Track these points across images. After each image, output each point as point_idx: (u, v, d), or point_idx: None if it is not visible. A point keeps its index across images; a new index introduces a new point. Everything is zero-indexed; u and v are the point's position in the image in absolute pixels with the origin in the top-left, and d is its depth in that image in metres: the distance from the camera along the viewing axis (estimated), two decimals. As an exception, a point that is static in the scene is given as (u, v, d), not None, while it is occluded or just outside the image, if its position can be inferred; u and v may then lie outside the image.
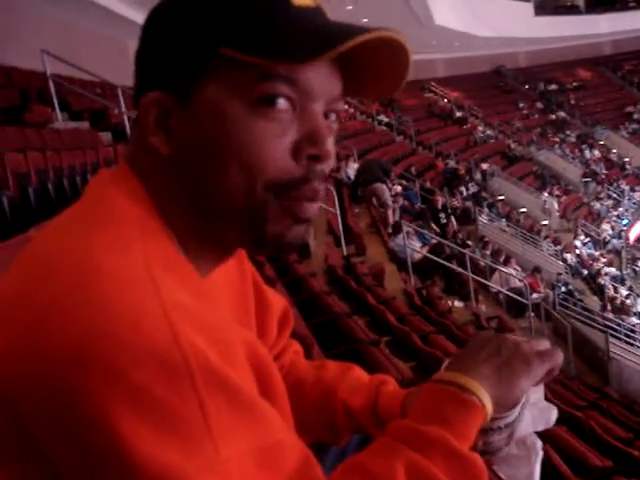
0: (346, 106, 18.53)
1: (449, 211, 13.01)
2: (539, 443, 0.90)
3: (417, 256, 9.59)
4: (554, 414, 0.90)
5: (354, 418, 0.98)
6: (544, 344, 0.83)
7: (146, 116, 0.68)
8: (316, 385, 1.01)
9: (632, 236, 20.42)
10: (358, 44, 0.63)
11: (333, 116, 0.72)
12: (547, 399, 0.90)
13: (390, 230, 10.07)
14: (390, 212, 10.50)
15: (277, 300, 1.03)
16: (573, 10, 33.07)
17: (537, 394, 0.88)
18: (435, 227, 12.04)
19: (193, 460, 0.54)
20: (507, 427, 0.84)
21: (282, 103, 0.66)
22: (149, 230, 0.66)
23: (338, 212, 8.07)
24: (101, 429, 0.53)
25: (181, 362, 0.55)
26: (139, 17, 13.10)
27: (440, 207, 12.39)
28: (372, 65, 0.70)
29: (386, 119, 21.11)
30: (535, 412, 0.88)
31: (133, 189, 0.69)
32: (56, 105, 7.68)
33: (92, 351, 0.54)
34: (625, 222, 21.19)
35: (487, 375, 0.77)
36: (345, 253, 7.89)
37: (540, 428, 0.89)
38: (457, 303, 9.09)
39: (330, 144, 0.69)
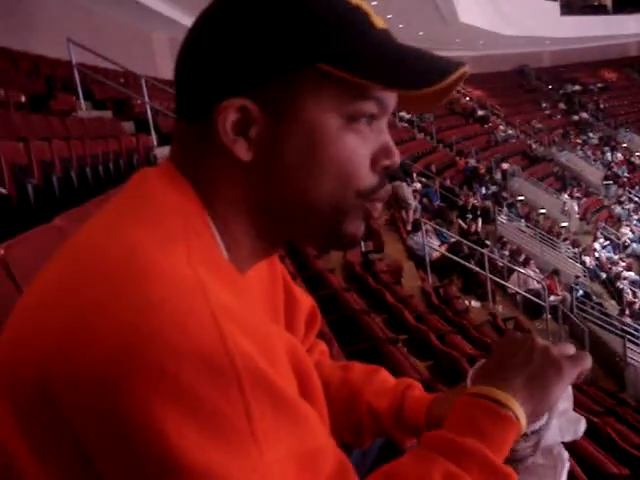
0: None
1: (478, 212, 13.03)
2: (566, 454, 0.89)
3: (435, 254, 9.57)
4: (582, 425, 0.89)
5: (379, 421, 0.98)
6: (572, 349, 0.83)
7: (224, 122, 0.67)
8: (342, 386, 1.01)
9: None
10: None
11: None
12: None
13: (409, 228, 10.05)
14: (411, 211, 10.49)
15: (305, 299, 1.03)
16: (600, 10, 32.73)
17: (566, 403, 0.87)
18: (462, 223, 12.07)
19: (237, 462, 0.54)
20: (534, 434, 0.83)
21: (368, 119, 0.71)
22: (192, 228, 0.66)
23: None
24: (145, 429, 0.53)
25: (228, 364, 0.55)
26: (164, 8, 13.17)
27: (468, 205, 12.41)
28: None
29: (407, 116, 21.03)
30: (563, 422, 0.87)
31: (179, 186, 0.69)
32: (80, 94, 7.73)
33: (138, 351, 0.54)
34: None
35: (521, 388, 0.77)
36: (363, 249, 7.88)
37: (568, 439, 0.88)
38: (474, 303, 9.08)
39: (398, 155, 0.75)
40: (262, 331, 0.61)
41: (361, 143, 0.70)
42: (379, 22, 0.71)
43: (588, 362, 0.82)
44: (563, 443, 0.89)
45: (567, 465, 0.89)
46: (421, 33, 21.16)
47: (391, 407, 0.98)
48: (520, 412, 0.75)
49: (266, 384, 0.57)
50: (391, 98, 0.72)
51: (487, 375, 0.80)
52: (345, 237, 0.74)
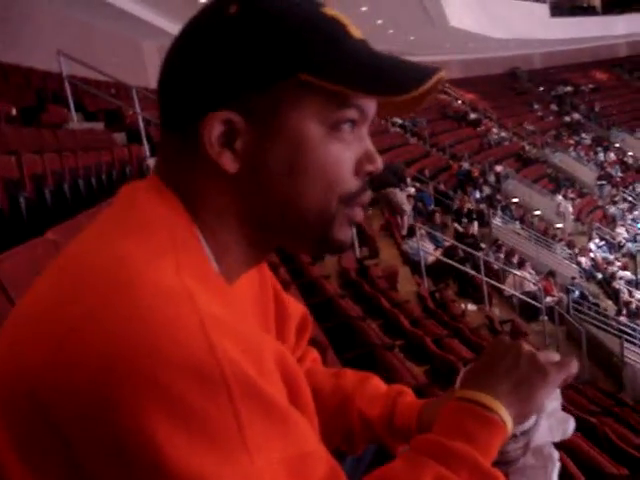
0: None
1: (473, 216, 13.08)
2: (556, 454, 0.90)
3: (430, 259, 9.58)
4: (571, 425, 0.90)
5: (370, 428, 0.99)
6: (557, 356, 0.85)
7: (209, 135, 0.68)
8: (333, 393, 1.01)
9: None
10: None
11: None
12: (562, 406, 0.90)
13: (404, 233, 10.07)
14: (406, 217, 10.51)
15: (296, 307, 1.04)
16: (589, 11, 32.91)
17: (554, 403, 0.88)
18: (458, 227, 12.12)
19: (228, 469, 0.55)
20: (523, 435, 0.84)
21: (350, 127, 0.72)
22: (180, 241, 0.67)
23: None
24: (137, 438, 0.54)
25: (217, 372, 0.56)
26: (155, 19, 13.19)
27: (462, 209, 12.46)
28: None
29: (400, 121, 21.08)
30: (552, 422, 0.88)
31: (167, 199, 0.70)
32: (71, 106, 7.72)
33: (129, 360, 0.55)
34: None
35: (507, 392, 0.79)
36: (358, 256, 7.89)
37: (557, 439, 0.89)
38: (470, 306, 9.07)
39: (380, 160, 0.76)
40: (251, 340, 0.62)
41: (344, 150, 0.72)
42: (356, 33, 0.72)
43: (573, 368, 0.84)
44: (556, 443, 0.90)
45: (558, 465, 0.90)
46: (412, 38, 21.24)
47: (383, 414, 0.98)
48: (506, 415, 0.77)
49: (255, 392, 0.58)
50: (371, 105, 0.74)
51: (475, 380, 0.82)
52: (334, 242, 0.75)
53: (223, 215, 0.72)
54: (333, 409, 0.99)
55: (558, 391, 0.89)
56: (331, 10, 0.72)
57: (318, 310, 4.27)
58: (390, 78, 0.69)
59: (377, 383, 1.04)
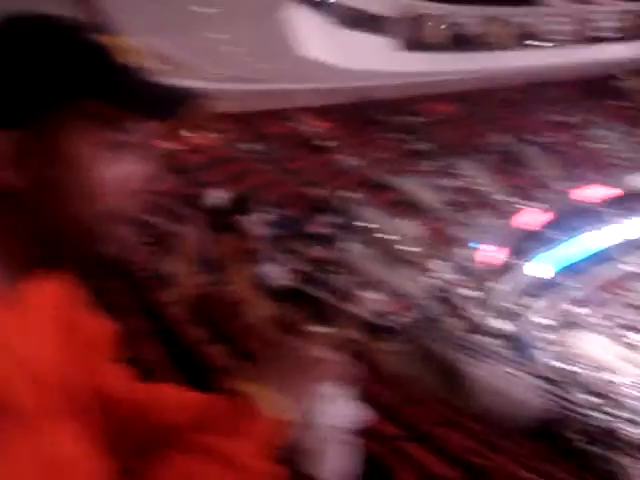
0: (212, 134, 18.52)
1: (325, 240, 13.35)
2: (346, 437, 0.94)
3: (283, 283, 9.68)
4: (362, 411, 0.95)
5: (167, 434, 1.00)
6: (330, 354, 0.95)
7: None
8: (131, 405, 1.02)
9: (486, 260, 21.65)
10: None
11: None
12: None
13: (254, 257, 10.11)
14: (254, 242, 10.55)
15: (100, 325, 1.03)
16: (438, 47, 34.73)
17: (340, 392, 0.93)
18: (305, 252, 12.29)
19: None
20: (306, 423, 0.89)
21: (122, 147, 0.76)
22: None
23: (201, 240, 8.02)
24: None
25: None
26: None
27: (313, 234, 12.67)
28: None
29: (251, 147, 21.22)
30: (338, 408, 0.93)
31: None
32: None
33: None
34: (479, 246, 22.39)
35: (270, 381, 0.85)
36: (207, 280, 7.83)
37: (346, 424, 0.93)
38: (321, 328, 9.21)
39: (152, 181, 0.80)
40: (9, 350, 0.63)
41: (114, 170, 0.75)
42: (131, 59, 0.76)
43: (340, 366, 0.95)
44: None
45: (349, 448, 0.94)
46: (266, 66, 21.50)
47: (186, 421, 0.99)
48: (268, 403, 0.82)
49: (11, 404, 0.59)
50: (144, 126, 0.78)
51: (242, 372, 0.88)
52: (97, 261, 0.78)
53: (9, 233, 0.73)
54: (128, 419, 0.99)
55: (348, 383, 0.94)
56: (107, 38, 0.76)
57: (162, 336, 4.21)
58: (154, 103, 0.75)
59: (179, 392, 1.05)
